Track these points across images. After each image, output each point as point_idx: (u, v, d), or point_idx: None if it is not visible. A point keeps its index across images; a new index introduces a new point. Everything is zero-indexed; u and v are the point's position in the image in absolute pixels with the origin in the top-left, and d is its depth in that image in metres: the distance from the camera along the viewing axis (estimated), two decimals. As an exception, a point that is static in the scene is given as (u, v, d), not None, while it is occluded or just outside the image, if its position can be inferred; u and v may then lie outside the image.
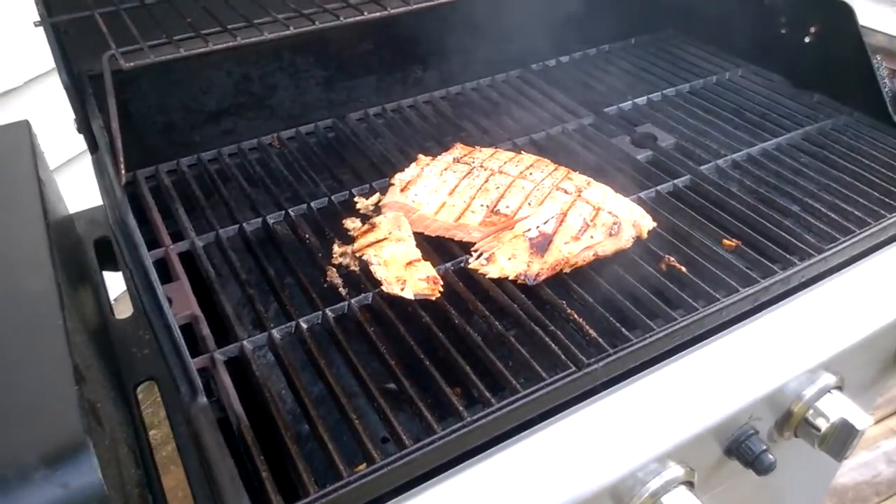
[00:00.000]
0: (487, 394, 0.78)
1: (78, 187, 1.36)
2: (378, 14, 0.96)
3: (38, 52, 1.81)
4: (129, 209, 0.75)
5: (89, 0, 1.01)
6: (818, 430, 0.92)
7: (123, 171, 0.92)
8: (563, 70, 1.48)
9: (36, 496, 0.53)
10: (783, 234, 1.00)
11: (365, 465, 0.71)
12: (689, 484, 0.82)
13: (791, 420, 0.93)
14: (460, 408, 0.76)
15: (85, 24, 1.00)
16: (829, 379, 0.92)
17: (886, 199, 1.06)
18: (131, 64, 0.83)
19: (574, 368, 0.79)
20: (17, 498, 0.53)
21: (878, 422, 2.31)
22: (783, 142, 1.21)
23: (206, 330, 0.85)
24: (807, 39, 1.34)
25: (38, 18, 1.00)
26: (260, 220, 1.05)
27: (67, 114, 1.05)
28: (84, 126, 1.01)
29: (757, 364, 0.88)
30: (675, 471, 0.81)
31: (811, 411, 0.92)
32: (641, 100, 1.35)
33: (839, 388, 0.93)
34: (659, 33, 1.60)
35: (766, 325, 0.92)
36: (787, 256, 0.96)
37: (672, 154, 1.18)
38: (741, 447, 0.88)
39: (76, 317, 0.73)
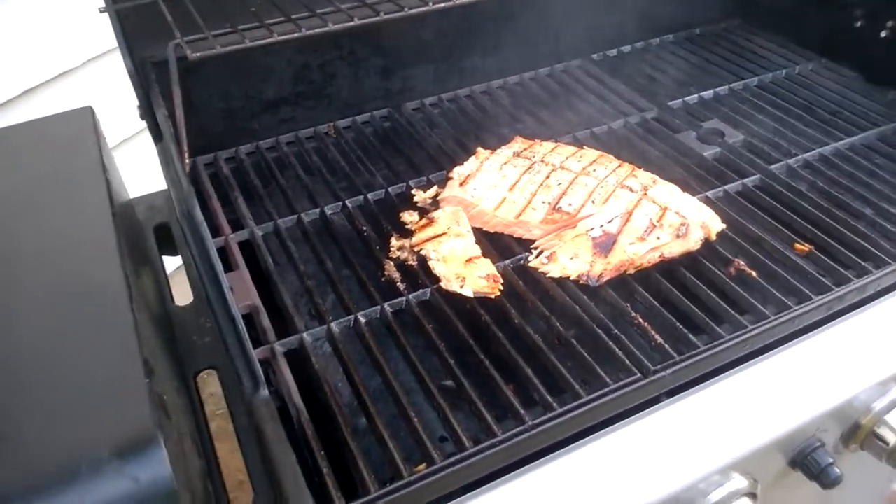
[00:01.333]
0: (549, 398, 0.76)
1: (132, 170, 1.37)
2: (443, 5, 0.94)
3: (90, 34, 1.85)
4: (196, 202, 0.75)
5: (153, -14, 1.01)
6: (886, 443, 0.88)
7: (187, 160, 0.92)
8: (625, 61, 1.45)
9: (107, 489, 0.53)
10: (858, 239, 0.96)
11: (425, 465, 0.71)
12: (752, 496, 0.80)
13: (858, 433, 0.90)
14: (521, 411, 0.75)
15: (146, 12, 1.01)
16: (901, 391, 0.88)
17: (968, 205, 1.01)
18: (198, 54, 0.83)
19: (639, 375, 0.77)
20: (88, 490, 0.53)
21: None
22: (857, 141, 1.16)
23: (266, 321, 0.85)
24: (883, 34, 1.28)
25: (102, 5, 1.01)
26: (318, 210, 1.05)
27: (118, 96, 1.05)
28: (148, 114, 1.02)
29: (827, 375, 0.85)
30: (739, 482, 0.78)
31: (880, 424, 0.88)
32: (707, 93, 1.30)
33: (911, 401, 0.90)
34: (725, 23, 1.55)
35: (838, 334, 0.89)
36: (862, 263, 0.92)
37: (740, 152, 1.14)
38: (807, 459, 0.85)
39: (143, 307, 0.73)
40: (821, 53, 1.40)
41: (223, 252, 0.97)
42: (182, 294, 1.00)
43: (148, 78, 1.05)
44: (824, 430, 0.86)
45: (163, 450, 0.55)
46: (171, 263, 1.07)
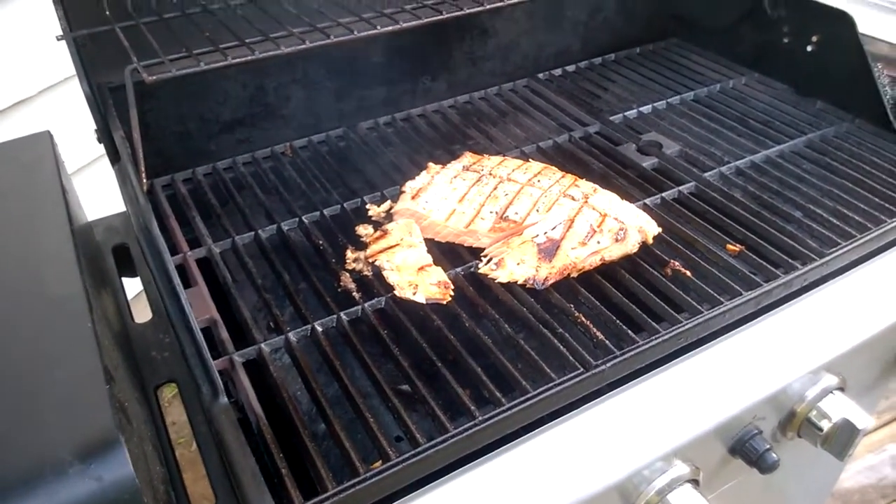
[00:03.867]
0: (498, 394, 0.80)
1: (89, 198, 1.39)
2: (390, 28, 0.99)
3: (45, 63, 1.86)
4: (153, 216, 0.78)
5: (109, 14, 1.05)
6: (820, 430, 0.93)
7: (144, 179, 0.95)
8: (570, 79, 1.51)
9: (71, 490, 0.55)
10: (786, 238, 1.02)
11: (380, 462, 0.74)
12: (695, 482, 0.84)
13: (794, 420, 0.95)
14: (472, 407, 0.78)
15: (103, 38, 1.04)
16: (830, 380, 0.94)
17: (886, 205, 1.08)
18: (154, 77, 0.86)
19: (582, 369, 0.82)
20: (53, 492, 0.55)
21: (883, 425, 2.32)
22: (786, 149, 1.24)
23: (224, 333, 0.88)
24: (809, 48, 1.36)
25: (59, 33, 1.04)
26: (274, 226, 1.08)
27: (73, 125, 1.08)
28: (105, 137, 1.05)
29: (760, 365, 0.90)
30: (681, 469, 0.83)
31: (814, 412, 0.94)
32: (646, 108, 1.37)
33: (841, 388, 0.95)
34: (664, 42, 1.63)
35: (769, 327, 0.94)
36: (790, 261, 0.98)
37: (677, 161, 1.21)
38: (745, 446, 0.90)
39: (102, 320, 0.76)
40: (753, 68, 1.49)
41: (182, 269, 0.99)
42: (142, 315, 1.02)
43: (105, 102, 1.07)
44: (762, 418, 0.91)
45: (125, 450, 0.57)
46: (131, 290, 1.08)
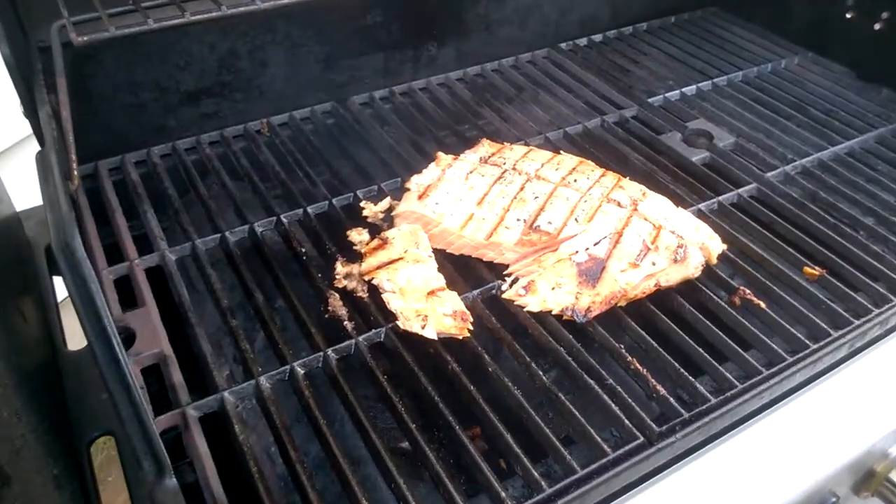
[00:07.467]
0: (533, 471, 0.61)
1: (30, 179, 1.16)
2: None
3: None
4: (77, 232, 0.57)
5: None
6: (901, 490, 0.78)
7: (76, 173, 0.73)
8: (597, 51, 1.31)
9: None
10: (868, 258, 0.85)
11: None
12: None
13: (872, 480, 0.80)
14: (497, 487, 0.60)
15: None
16: (915, 434, 0.78)
17: (984, 220, 0.91)
18: (84, 38, 0.65)
19: (643, 440, 0.63)
20: None
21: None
22: (856, 145, 1.05)
23: (176, 376, 0.69)
24: (877, 27, 1.18)
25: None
26: (246, 227, 0.88)
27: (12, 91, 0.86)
28: (31, 111, 0.83)
29: (844, 422, 0.75)
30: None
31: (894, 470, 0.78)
32: (689, 89, 1.17)
33: (924, 442, 0.79)
34: (701, 11, 1.43)
35: (856, 374, 0.77)
36: (873, 285, 0.82)
37: (732, 157, 1.02)
38: (819, 521, 0.73)
39: (7, 353, 0.55)
40: (806, 46, 1.30)
41: (127, 282, 0.79)
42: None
43: (33, 67, 0.85)
44: (839, 482, 0.75)
45: None
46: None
